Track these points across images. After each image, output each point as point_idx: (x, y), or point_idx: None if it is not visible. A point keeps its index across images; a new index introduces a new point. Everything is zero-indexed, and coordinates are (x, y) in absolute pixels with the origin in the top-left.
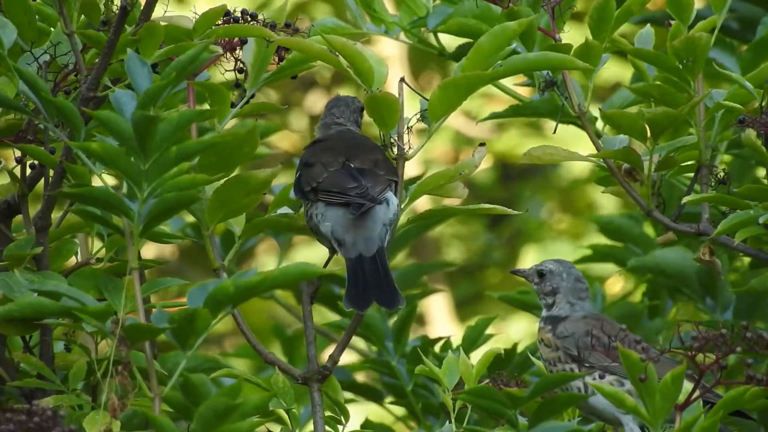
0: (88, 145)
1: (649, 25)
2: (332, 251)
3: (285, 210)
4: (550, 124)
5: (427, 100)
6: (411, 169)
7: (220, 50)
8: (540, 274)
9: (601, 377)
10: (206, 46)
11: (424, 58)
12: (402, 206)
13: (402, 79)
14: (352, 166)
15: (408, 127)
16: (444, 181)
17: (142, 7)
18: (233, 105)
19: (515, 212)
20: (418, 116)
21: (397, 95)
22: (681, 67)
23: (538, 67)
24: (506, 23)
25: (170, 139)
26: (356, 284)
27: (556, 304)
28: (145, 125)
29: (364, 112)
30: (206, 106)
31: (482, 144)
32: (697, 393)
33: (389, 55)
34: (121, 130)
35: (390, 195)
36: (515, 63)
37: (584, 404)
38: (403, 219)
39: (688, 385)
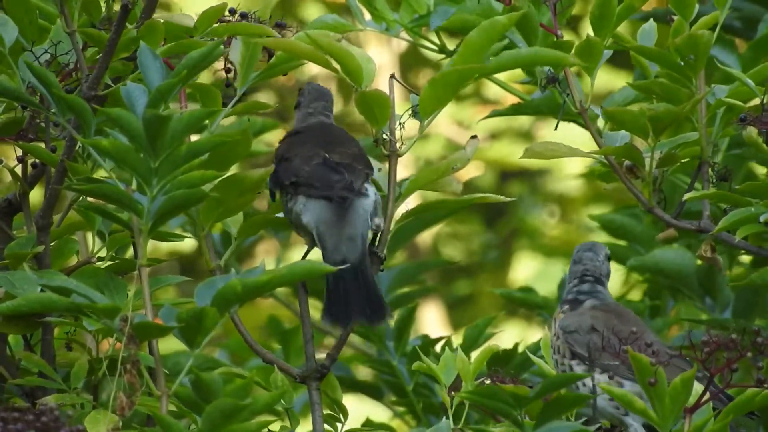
0: (98, 142)
1: (652, 20)
2: (312, 244)
3: None
4: (542, 132)
5: (417, 94)
6: (402, 172)
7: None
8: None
9: (611, 377)
10: (218, 44)
11: (415, 65)
12: (396, 201)
13: (392, 76)
14: (332, 160)
15: (400, 123)
16: (437, 176)
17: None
18: (224, 105)
19: (508, 199)
20: (410, 112)
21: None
22: (683, 64)
23: (529, 63)
24: (496, 17)
25: (180, 137)
26: (338, 297)
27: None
28: (156, 124)
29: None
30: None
31: (474, 137)
32: (707, 396)
33: (379, 64)
34: (131, 128)
35: (369, 187)
36: (507, 59)
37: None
38: (397, 214)
39: (697, 388)
